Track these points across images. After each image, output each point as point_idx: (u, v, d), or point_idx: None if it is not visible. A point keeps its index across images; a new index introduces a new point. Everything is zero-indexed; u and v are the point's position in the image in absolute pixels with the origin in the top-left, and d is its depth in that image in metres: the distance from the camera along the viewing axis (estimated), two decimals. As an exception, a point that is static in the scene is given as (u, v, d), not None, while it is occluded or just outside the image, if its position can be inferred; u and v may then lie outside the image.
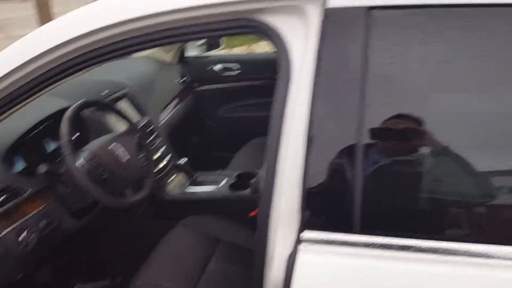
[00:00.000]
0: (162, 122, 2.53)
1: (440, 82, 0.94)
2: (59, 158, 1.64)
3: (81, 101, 1.72)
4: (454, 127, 0.94)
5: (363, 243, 0.94)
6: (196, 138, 3.13)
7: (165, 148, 2.36)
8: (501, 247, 0.89)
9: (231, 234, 1.90)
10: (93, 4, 1.18)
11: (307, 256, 0.95)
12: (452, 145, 0.93)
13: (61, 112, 1.68)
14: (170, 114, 2.67)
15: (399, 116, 0.95)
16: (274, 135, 1.03)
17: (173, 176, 2.34)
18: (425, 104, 0.96)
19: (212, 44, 3.22)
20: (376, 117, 0.95)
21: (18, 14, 12.71)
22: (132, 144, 1.75)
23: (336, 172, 0.98)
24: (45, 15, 8.36)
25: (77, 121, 1.72)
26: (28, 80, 1.21)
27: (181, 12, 1.08)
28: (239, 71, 3.19)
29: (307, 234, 0.97)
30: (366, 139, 0.95)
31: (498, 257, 0.88)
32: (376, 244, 0.94)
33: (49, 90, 1.27)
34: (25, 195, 1.55)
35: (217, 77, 3.20)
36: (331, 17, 0.97)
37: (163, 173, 2.24)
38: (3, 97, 1.22)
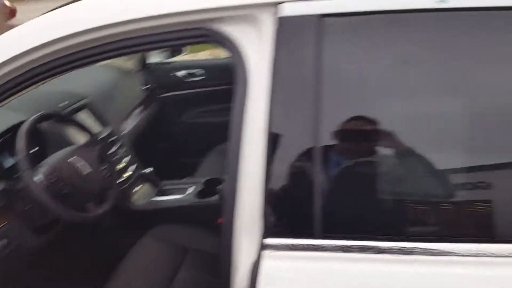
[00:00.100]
0: (126, 131, 2.49)
1: (390, 85, 0.97)
2: (17, 174, 1.59)
3: (38, 113, 1.67)
4: (407, 128, 0.97)
5: (325, 246, 0.96)
6: (162, 146, 3.10)
7: (129, 158, 2.32)
8: (459, 244, 0.92)
9: (199, 242, 1.88)
10: (50, 13, 1.16)
11: (270, 263, 0.96)
12: (406, 145, 0.96)
13: (18, 126, 1.63)
14: (133, 123, 2.63)
15: (354, 118, 0.97)
16: (235, 141, 1.03)
17: (139, 186, 2.31)
18: (377, 106, 0.99)
19: (175, 50, 3.20)
20: (332, 120, 0.97)
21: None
22: (93, 156, 1.71)
23: (297, 177, 0.99)
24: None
25: (35, 135, 1.66)
26: None
27: (139, 22, 1.08)
28: (203, 77, 3.18)
29: (270, 240, 0.98)
30: (324, 143, 0.97)
31: (457, 255, 0.91)
32: (337, 247, 0.95)
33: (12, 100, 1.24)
34: None
35: (181, 83, 3.18)
36: (284, 26, 0.99)
37: (128, 184, 2.21)
38: None
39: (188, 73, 3.17)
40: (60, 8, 1.15)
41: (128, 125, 2.56)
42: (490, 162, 0.95)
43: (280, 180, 0.99)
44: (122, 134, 2.41)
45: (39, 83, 1.24)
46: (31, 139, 1.57)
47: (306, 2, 0.97)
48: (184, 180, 2.48)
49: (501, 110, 0.94)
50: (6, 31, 1.18)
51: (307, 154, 0.97)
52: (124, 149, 2.31)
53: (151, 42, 1.13)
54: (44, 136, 1.88)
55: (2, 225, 1.54)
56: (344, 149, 1.00)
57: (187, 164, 2.74)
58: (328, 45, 0.96)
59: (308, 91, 0.96)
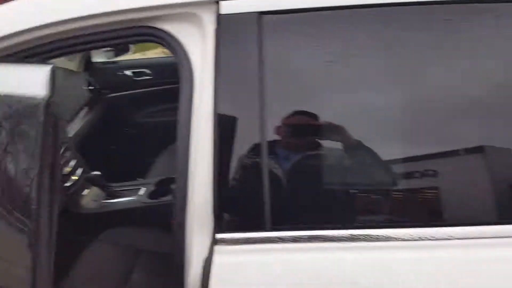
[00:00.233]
0: (71, 134, 2.40)
1: (331, 79, 1.01)
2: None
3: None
4: (348, 121, 1.00)
5: (276, 238, 0.98)
6: (111, 147, 3.02)
7: (76, 161, 2.25)
8: (400, 229, 0.97)
9: (152, 243, 1.86)
10: None
11: (222, 257, 0.97)
12: (349, 137, 0.99)
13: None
14: (79, 125, 2.55)
15: (298, 113, 1.00)
16: (183, 139, 1.03)
17: (88, 190, 2.24)
18: (319, 100, 1.02)
19: (122, 49, 3.11)
20: (277, 116, 0.99)
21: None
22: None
23: (245, 172, 1.01)
24: None
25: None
26: None
27: (81, 21, 1.05)
28: (152, 75, 3.12)
29: (222, 235, 0.99)
30: (270, 138, 0.99)
31: (399, 239, 0.96)
32: (287, 238, 0.98)
33: None
34: None
35: (129, 83, 3.11)
36: (225, 23, 1.00)
37: (75, 188, 2.14)
38: None
39: (135, 72, 3.10)
40: None
41: (74, 128, 2.48)
42: (427, 152, 1.00)
43: (229, 176, 1.00)
44: (67, 137, 2.32)
45: None
46: None
47: (246, 0, 0.99)
48: (135, 181, 2.43)
49: (437, 102, 0.99)
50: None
51: (255, 150, 0.99)
52: (69, 152, 2.23)
53: (92, 41, 1.10)
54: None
55: None
56: (290, 143, 1.02)
57: (137, 165, 2.69)
58: (268, 42, 0.98)
59: (252, 88, 0.98)
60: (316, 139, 1.02)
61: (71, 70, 2.91)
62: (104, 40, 1.10)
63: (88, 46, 1.14)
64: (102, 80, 3.06)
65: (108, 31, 1.08)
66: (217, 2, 1.00)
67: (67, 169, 2.12)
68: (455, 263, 0.93)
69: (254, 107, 0.98)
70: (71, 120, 2.51)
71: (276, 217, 0.98)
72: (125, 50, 3.17)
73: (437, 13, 0.99)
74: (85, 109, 2.73)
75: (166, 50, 1.10)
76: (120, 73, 3.11)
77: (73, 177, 2.14)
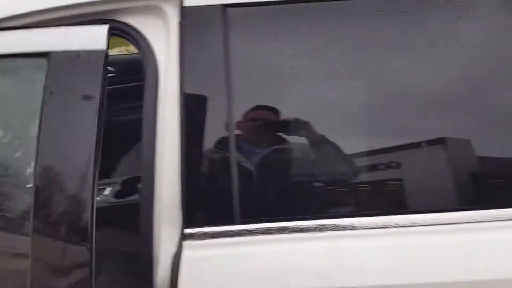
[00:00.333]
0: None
1: (296, 73, 1.02)
2: None
3: None
4: (313, 114, 1.02)
5: (245, 231, 0.98)
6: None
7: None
8: (364, 218, 0.99)
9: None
10: None
11: (192, 252, 0.97)
12: (314, 130, 1.01)
13: None
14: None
15: (264, 108, 1.01)
16: (149, 136, 1.02)
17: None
18: (285, 94, 1.03)
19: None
20: (242, 110, 1.00)
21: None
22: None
23: (212, 167, 1.01)
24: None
25: None
26: None
27: (42, 14, 1.02)
28: (115, 73, 3.05)
29: (191, 230, 0.99)
30: (237, 132, 0.99)
31: (366, 228, 0.98)
32: (256, 230, 0.98)
33: None
34: None
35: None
36: (189, 16, 0.99)
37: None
38: None
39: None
40: None
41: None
42: (388, 144, 1.03)
43: (196, 171, 1.00)
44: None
45: None
46: None
47: None
48: (100, 181, 2.37)
49: (397, 96, 1.02)
50: None
51: (222, 144, 0.99)
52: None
53: None
54: None
55: None
56: (257, 137, 1.03)
57: (102, 165, 2.62)
58: (233, 35, 0.98)
59: (218, 82, 0.98)
60: (282, 133, 1.03)
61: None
62: None
63: None
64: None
65: (72, 25, 1.05)
66: (181, -6, 0.99)
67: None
68: (419, 249, 0.96)
69: (221, 102, 0.97)
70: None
71: (244, 210, 0.99)
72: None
73: (397, 6, 1.01)
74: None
75: (130, 47, 1.08)
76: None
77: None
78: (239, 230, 0.98)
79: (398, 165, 1.02)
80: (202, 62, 0.99)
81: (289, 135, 1.03)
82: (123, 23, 1.03)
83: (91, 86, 0.90)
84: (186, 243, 0.98)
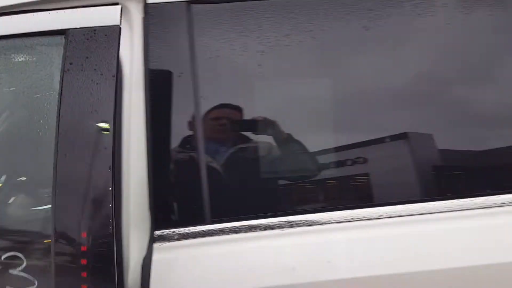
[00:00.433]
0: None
1: (263, 70, 1.02)
2: None
3: None
4: (281, 112, 1.02)
5: (216, 230, 0.97)
6: (33, 151, 2.82)
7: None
8: (333, 212, 1.00)
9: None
10: None
11: (162, 254, 0.95)
12: (281, 128, 1.02)
13: None
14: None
15: (229, 106, 1.00)
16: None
17: (13, 197, 2.09)
18: (253, 91, 1.03)
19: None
20: (209, 109, 0.99)
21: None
22: None
23: (180, 167, 0.99)
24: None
25: None
26: None
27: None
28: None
29: (160, 232, 0.97)
30: (203, 131, 0.98)
31: (332, 222, 1.00)
32: (227, 229, 0.98)
33: None
34: None
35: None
36: (152, 13, 0.97)
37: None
38: None
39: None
40: None
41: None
42: (353, 140, 1.05)
43: (164, 172, 0.98)
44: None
45: None
46: None
47: None
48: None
49: (361, 93, 1.04)
50: None
51: (188, 144, 0.98)
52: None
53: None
54: None
55: None
56: (223, 135, 1.02)
57: (67, 167, 2.54)
58: (198, 31, 0.97)
59: (184, 80, 0.97)
60: (249, 131, 1.03)
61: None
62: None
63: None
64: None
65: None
66: (144, -8, 0.98)
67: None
68: (387, 240, 0.98)
69: (187, 100, 0.96)
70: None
71: (215, 210, 0.98)
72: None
73: (361, 3, 1.03)
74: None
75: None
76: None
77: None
78: (210, 229, 0.97)
79: (364, 160, 1.04)
80: (166, 59, 0.98)
81: (255, 133, 1.03)
82: None
83: (108, 56, 0.94)
84: (156, 245, 0.96)
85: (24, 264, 1.00)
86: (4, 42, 1.02)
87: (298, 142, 1.02)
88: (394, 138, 1.04)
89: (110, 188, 0.89)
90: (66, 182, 0.91)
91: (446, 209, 0.99)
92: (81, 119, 0.91)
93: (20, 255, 1.01)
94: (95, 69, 0.93)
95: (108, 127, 0.91)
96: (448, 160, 1.07)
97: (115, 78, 0.92)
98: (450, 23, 1.05)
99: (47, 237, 0.97)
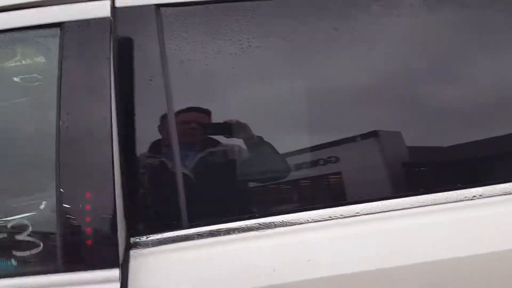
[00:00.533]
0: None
1: (232, 72, 1.02)
2: None
3: None
4: (253, 114, 1.02)
5: (193, 235, 0.96)
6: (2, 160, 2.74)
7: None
8: (310, 212, 1.01)
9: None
10: None
11: (139, 260, 0.94)
12: (253, 132, 1.02)
13: None
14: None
15: (198, 109, 1.00)
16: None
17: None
18: (221, 94, 1.03)
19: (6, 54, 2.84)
20: (179, 112, 0.98)
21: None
22: None
23: (154, 173, 0.98)
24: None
25: None
26: None
27: None
28: (42, 82, 2.90)
29: (137, 239, 0.95)
30: (176, 135, 0.97)
31: (310, 221, 1.00)
32: (205, 233, 0.97)
33: None
34: None
35: (19, 90, 2.85)
36: (120, 17, 0.96)
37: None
38: None
39: (25, 79, 2.85)
40: None
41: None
42: (327, 140, 1.06)
43: (138, 179, 0.97)
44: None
45: None
46: None
47: None
48: (34, 195, 2.24)
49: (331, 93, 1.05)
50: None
51: (161, 149, 0.97)
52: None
53: None
54: None
55: None
56: (196, 139, 1.02)
57: (35, 177, 2.47)
58: (168, 35, 0.96)
59: (155, 84, 0.96)
60: (221, 134, 1.02)
61: None
62: None
63: None
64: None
65: None
66: (113, -6, 0.96)
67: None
68: (364, 236, 0.99)
69: (157, 104, 0.95)
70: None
71: (191, 214, 0.97)
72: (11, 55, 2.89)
73: (333, 3, 1.04)
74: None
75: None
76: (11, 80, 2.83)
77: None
78: (187, 234, 0.96)
79: (337, 159, 1.05)
80: (136, 63, 0.96)
81: (227, 135, 1.03)
82: None
83: (102, 44, 0.96)
84: (133, 252, 0.94)
85: (30, 229, 1.04)
86: (5, 35, 1.07)
87: (271, 144, 1.02)
88: (365, 136, 1.06)
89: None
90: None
91: (420, 204, 1.01)
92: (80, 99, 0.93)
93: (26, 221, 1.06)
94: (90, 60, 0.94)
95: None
96: (420, 156, 1.09)
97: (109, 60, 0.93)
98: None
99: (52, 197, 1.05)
